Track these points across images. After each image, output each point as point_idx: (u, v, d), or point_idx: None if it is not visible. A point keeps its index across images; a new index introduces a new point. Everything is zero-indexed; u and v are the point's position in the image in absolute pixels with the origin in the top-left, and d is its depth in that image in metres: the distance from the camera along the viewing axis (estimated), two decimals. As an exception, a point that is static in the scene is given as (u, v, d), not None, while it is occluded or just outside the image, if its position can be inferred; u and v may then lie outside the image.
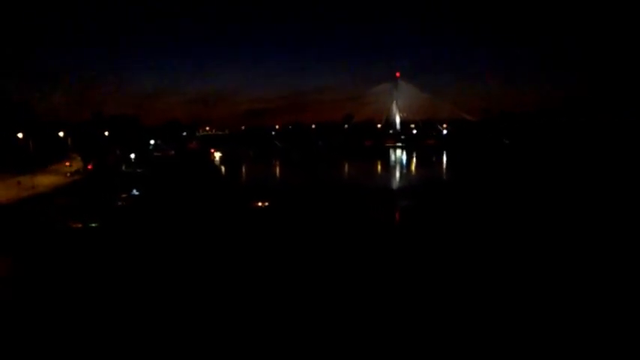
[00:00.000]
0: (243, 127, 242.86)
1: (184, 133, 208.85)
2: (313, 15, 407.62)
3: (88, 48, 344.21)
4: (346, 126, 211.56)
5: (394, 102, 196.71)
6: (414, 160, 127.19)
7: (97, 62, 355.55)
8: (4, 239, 36.56)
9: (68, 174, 75.48)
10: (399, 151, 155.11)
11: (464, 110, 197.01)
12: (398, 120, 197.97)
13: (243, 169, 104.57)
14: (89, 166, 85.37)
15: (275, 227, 41.58)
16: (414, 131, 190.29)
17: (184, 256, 32.41)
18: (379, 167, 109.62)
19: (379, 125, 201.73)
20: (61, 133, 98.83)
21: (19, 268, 30.89)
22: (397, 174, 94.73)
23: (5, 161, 66.77)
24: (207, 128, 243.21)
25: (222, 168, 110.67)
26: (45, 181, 65.65)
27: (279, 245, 35.06)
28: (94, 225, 41.94)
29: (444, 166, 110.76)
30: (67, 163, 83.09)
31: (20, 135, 72.73)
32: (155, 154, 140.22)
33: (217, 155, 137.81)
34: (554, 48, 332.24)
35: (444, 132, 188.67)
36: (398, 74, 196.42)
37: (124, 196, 59.54)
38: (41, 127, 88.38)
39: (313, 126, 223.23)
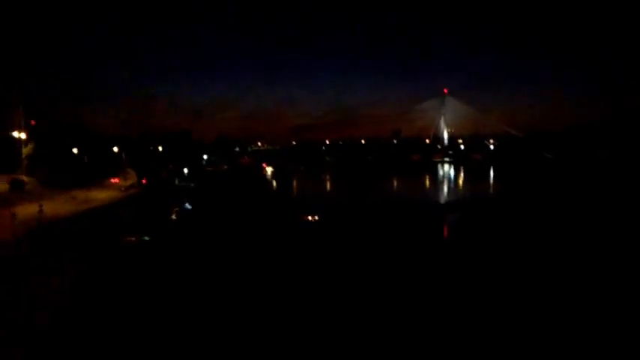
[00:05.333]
0: (294, 142, 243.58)
1: (236, 148, 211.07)
2: (362, 32, 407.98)
3: (141, 65, 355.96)
4: (395, 141, 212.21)
5: (442, 117, 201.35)
6: (462, 174, 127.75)
7: (150, 79, 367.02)
8: (58, 254, 35.70)
9: (123, 188, 75.64)
10: (446, 166, 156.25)
11: (511, 125, 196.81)
12: (446, 135, 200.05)
13: (295, 184, 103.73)
14: (143, 181, 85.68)
15: (325, 241, 41.40)
16: (462, 146, 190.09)
17: (236, 269, 32.35)
18: (427, 181, 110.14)
19: (427, 140, 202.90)
20: (115, 148, 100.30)
21: (76, 281, 30.48)
22: (445, 188, 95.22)
23: (61, 176, 67.32)
24: (259, 143, 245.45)
25: (274, 182, 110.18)
26: (100, 195, 65.88)
27: (329, 259, 34.83)
28: (147, 239, 41.60)
29: (491, 180, 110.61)
30: (116, 180, 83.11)
31: (75, 150, 73.63)
32: (208, 168, 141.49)
33: (269, 170, 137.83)
34: (604, 62, 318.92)
35: (492, 147, 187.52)
36: (446, 90, 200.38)
37: (176, 209, 58.84)
38: (96, 142, 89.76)
39: (363, 141, 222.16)
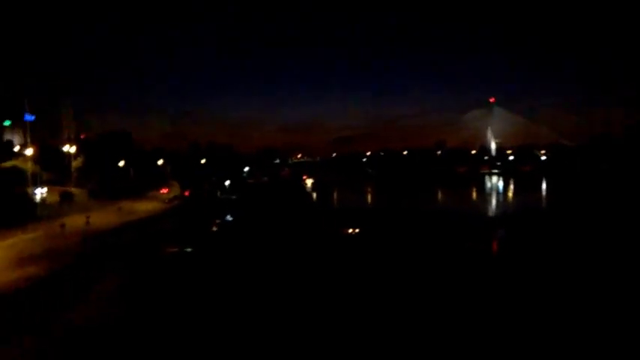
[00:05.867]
0: (334, 154, 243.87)
1: (277, 161, 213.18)
2: (407, 41, 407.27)
3: (184, 79, 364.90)
4: (439, 152, 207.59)
5: (489, 128, 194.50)
6: (511, 186, 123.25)
7: (193, 93, 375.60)
8: (102, 263, 36.69)
9: (166, 200, 77.49)
10: (494, 178, 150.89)
11: (563, 136, 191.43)
12: (493, 146, 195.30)
13: (334, 196, 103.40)
14: (186, 193, 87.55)
15: (365, 256, 40.24)
16: (510, 157, 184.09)
17: (275, 281, 31.89)
18: (474, 195, 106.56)
19: (473, 151, 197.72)
20: (160, 161, 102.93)
21: (117, 291, 31.30)
22: (494, 202, 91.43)
23: (108, 188, 69.53)
24: (299, 155, 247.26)
25: (314, 195, 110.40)
26: (144, 206, 67.55)
27: (368, 274, 33.68)
28: (188, 250, 42.09)
29: (543, 193, 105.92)
30: (165, 190, 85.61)
31: (122, 163, 76.09)
32: (249, 181, 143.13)
33: (309, 182, 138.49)
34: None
35: (543, 158, 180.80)
36: (493, 99, 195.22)
37: (218, 221, 59.77)
38: (141, 155, 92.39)
39: (405, 152, 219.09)
